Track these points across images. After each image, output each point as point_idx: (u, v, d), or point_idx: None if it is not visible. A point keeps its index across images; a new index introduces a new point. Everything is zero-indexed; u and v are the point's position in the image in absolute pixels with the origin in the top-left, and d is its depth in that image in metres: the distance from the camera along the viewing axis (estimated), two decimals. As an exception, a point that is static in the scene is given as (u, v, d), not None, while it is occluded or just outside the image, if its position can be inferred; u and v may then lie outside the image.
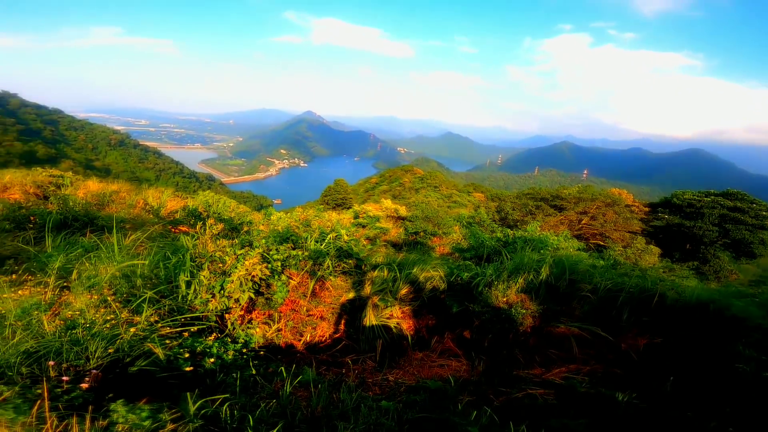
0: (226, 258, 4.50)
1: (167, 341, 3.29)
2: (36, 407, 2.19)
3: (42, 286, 3.28)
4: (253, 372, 3.31)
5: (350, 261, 5.89)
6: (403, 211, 19.69)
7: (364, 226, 16.22)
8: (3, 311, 2.92)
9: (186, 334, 3.56)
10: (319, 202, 48.94)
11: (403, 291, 5.37)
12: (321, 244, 5.97)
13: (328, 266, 5.38)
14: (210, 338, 3.69)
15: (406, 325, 5.11)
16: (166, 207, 9.71)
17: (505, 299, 5.17)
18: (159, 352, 3.04)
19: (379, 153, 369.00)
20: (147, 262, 4.15)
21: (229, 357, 3.53)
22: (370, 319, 4.92)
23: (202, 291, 4.24)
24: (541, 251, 7.29)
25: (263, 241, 5.19)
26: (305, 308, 4.93)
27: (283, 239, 5.68)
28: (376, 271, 5.59)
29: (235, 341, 4.01)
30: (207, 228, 5.42)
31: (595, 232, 25.19)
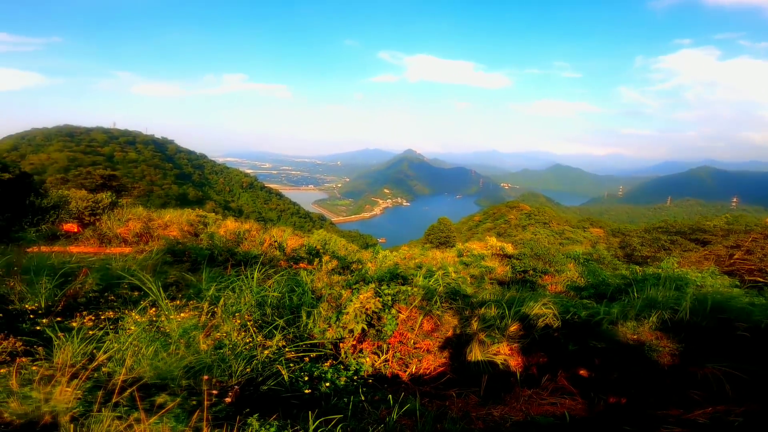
0: (342, 292, 4.83)
1: (291, 365, 3.61)
2: (194, 418, 2.45)
3: (197, 311, 3.85)
4: (362, 398, 3.49)
5: (457, 298, 5.96)
6: (509, 248, 18.85)
7: (468, 265, 15.89)
8: (169, 330, 3.47)
9: (307, 359, 3.87)
10: (423, 240, 49.40)
11: (512, 328, 5.22)
12: (429, 281, 6.09)
13: (437, 301, 5.47)
14: (326, 364, 3.95)
15: (514, 362, 4.92)
16: (288, 244, 10.71)
17: (635, 336, 4.71)
18: (285, 374, 3.34)
19: (481, 189, 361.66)
20: (276, 294, 4.65)
21: (342, 383, 3.75)
22: (476, 354, 4.84)
23: (320, 321, 4.62)
24: (681, 289, 6.37)
25: (375, 276, 5.47)
26: (412, 341, 5.05)
27: (393, 276, 5.92)
28: (483, 308, 5.56)
29: (347, 368, 4.24)
30: (323, 264, 5.86)
31: (753, 267, 20.83)
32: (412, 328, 5.16)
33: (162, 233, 10.78)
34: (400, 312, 5.21)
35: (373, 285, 5.11)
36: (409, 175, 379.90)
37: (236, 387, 2.94)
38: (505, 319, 5.25)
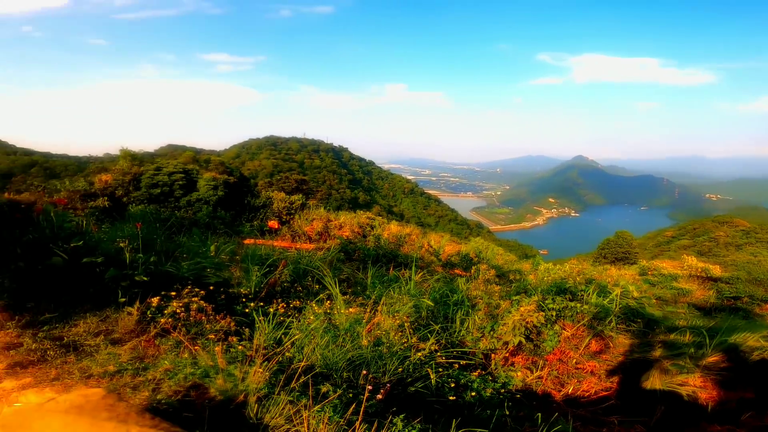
0: (501, 302, 4.74)
1: (439, 369, 3.70)
2: (349, 411, 2.56)
3: (363, 307, 4.28)
4: (507, 413, 3.39)
5: (637, 320, 5.45)
6: (716, 270, 15.31)
7: (654, 285, 13.55)
8: (337, 323, 3.92)
9: (456, 366, 3.93)
10: (594, 255, 43.83)
11: (712, 359, 4.47)
12: (604, 299, 5.56)
13: (611, 321, 4.96)
14: (474, 374, 3.94)
15: (706, 395, 4.19)
16: (444, 250, 10.91)
17: None
18: (433, 378, 3.45)
19: (676, 201, 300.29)
20: (431, 298, 4.82)
21: (487, 393, 3.70)
22: (654, 382, 4.28)
23: (473, 329, 4.65)
24: None
25: (539, 289, 5.22)
26: (574, 360, 4.75)
27: (560, 290, 5.55)
28: (672, 334, 4.98)
29: (494, 380, 4.16)
30: (481, 273, 5.81)
31: None
32: (577, 347, 4.86)
33: (337, 233, 12.27)
34: (564, 329, 4.95)
35: (536, 298, 4.95)
36: (579, 183, 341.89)
37: (388, 385, 3.15)
38: (703, 349, 4.57)
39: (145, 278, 3.89)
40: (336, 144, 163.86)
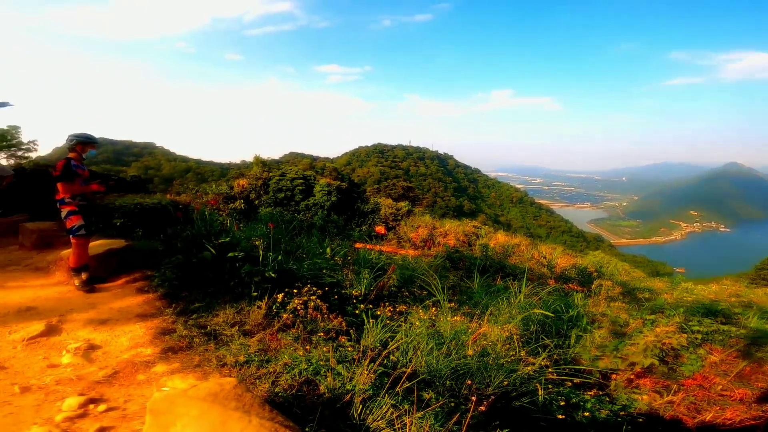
0: (630, 321, 4.34)
1: (549, 386, 3.47)
2: (452, 421, 2.51)
3: (468, 316, 4.22)
4: None
5: None
6: None
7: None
8: (442, 330, 3.92)
9: (569, 384, 3.67)
10: (751, 276, 36.42)
11: None
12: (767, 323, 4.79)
13: None
14: (589, 393, 3.65)
15: None
16: (557, 263, 10.17)
17: None
18: (541, 394, 3.24)
19: None
20: (542, 312, 4.56)
21: (602, 415, 3.39)
22: None
23: (591, 347, 4.33)
24: None
25: (681, 310, 4.64)
26: (719, 387, 4.14)
27: (709, 311, 4.87)
28: None
29: (613, 402, 3.78)
30: (603, 289, 5.39)
31: None
32: (726, 374, 4.25)
33: (442, 241, 12.26)
34: (711, 353, 4.38)
35: (677, 319, 4.45)
36: (731, 194, 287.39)
37: (492, 397, 3.04)
38: None
39: (273, 275, 4.37)
40: (441, 152, 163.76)
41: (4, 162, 13.57)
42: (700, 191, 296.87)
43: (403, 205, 14.53)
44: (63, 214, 4.83)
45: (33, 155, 15.90)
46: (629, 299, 6.37)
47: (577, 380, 3.78)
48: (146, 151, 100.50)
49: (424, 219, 13.94)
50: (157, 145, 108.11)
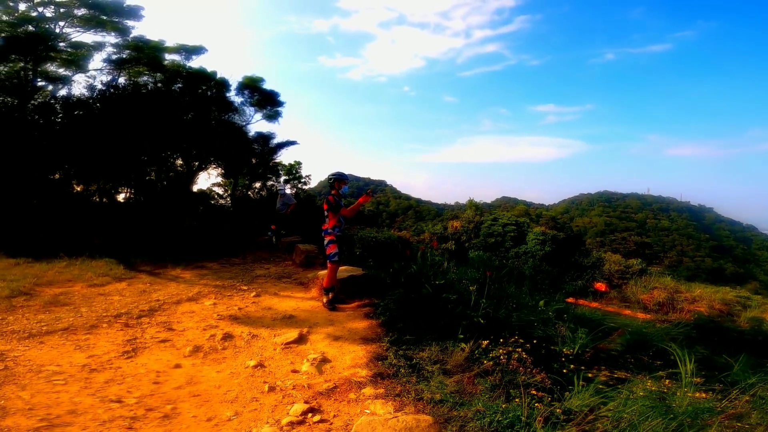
0: None
1: None
2: None
3: (719, 394, 3.30)
4: None
5: None
6: None
7: None
8: (675, 405, 3.12)
9: None
10: None
11: None
12: None
13: None
14: None
15: None
16: None
17: None
18: None
19: None
20: None
21: None
22: None
23: None
24: None
25: None
26: None
27: None
28: None
29: None
30: None
31: None
32: None
33: (688, 307, 9.93)
34: None
35: None
36: None
37: None
38: None
39: (483, 321, 4.52)
40: (694, 203, 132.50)
41: (288, 191, 17.82)
42: None
43: (635, 262, 12.46)
44: (325, 241, 5.99)
45: (306, 187, 20.83)
46: None
47: None
48: (379, 188, 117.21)
49: (662, 280, 11.58)
50: (388, 183, 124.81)
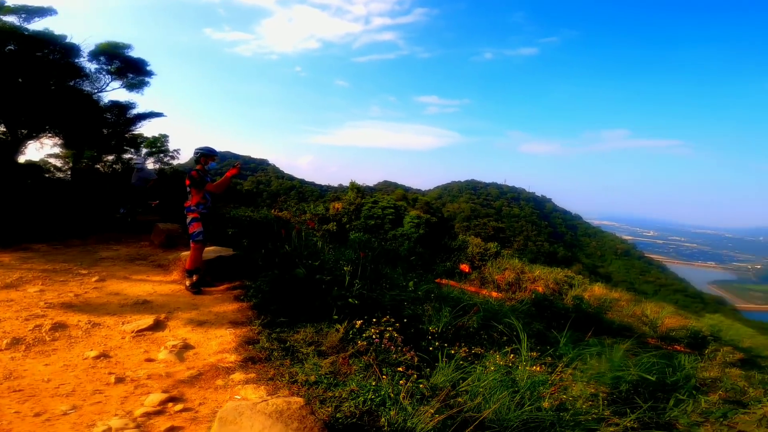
0: (750, 390, 3.93)
1: None
2: None
3: (550, 368, 3.90)
4: None
5: None
6: None
7: None
8: (518, 379, 3.66)
9: None
10: None
11: None
12: None
13: None
14: None
15: None
16: (663, 323, 9.14)
17: None
18: None
19: None
20: (639, 373, 4.12)
21: None
22: None
23: (693, 414, 3.89)
24: None
25: None
26: None
27: None
28: None
29: None
30: (720, 354, 5.03)
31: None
32: None
33: (530, 286, 11.59)
34: None
35: None
36: None
37: None
38: None
39: (356, 302, 4.55)
40: (538, 194, 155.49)
41: (151, 166, 15.90)
42: None
43: (492, 245, 14.09)
44: (188, 219, 5.53)
45: (175, 162, 18.89)
46: (747, 366, 5.76)
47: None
48: (260, 167, 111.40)
49: (512, 262, 13.33)
50: (270, 162, 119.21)
